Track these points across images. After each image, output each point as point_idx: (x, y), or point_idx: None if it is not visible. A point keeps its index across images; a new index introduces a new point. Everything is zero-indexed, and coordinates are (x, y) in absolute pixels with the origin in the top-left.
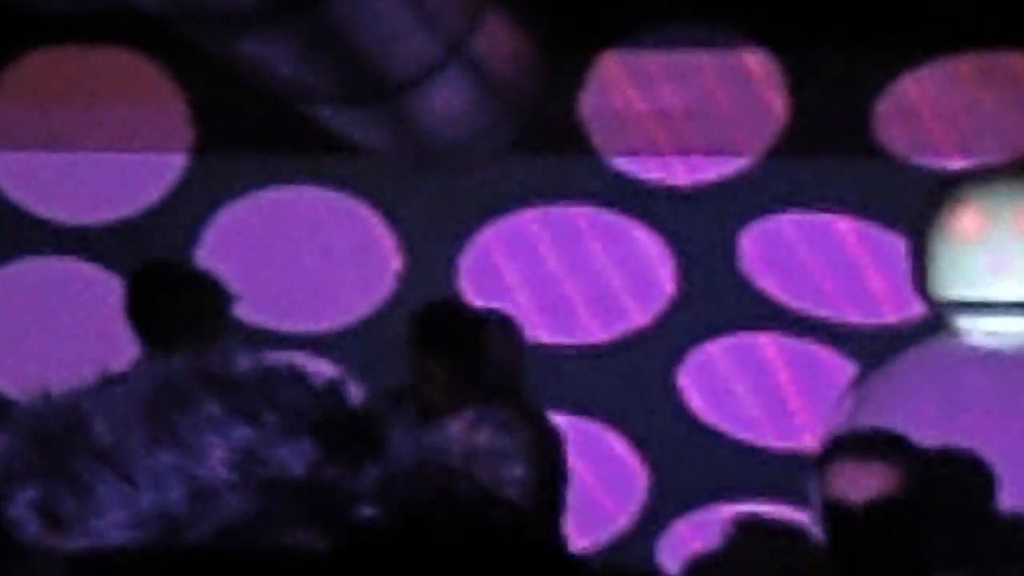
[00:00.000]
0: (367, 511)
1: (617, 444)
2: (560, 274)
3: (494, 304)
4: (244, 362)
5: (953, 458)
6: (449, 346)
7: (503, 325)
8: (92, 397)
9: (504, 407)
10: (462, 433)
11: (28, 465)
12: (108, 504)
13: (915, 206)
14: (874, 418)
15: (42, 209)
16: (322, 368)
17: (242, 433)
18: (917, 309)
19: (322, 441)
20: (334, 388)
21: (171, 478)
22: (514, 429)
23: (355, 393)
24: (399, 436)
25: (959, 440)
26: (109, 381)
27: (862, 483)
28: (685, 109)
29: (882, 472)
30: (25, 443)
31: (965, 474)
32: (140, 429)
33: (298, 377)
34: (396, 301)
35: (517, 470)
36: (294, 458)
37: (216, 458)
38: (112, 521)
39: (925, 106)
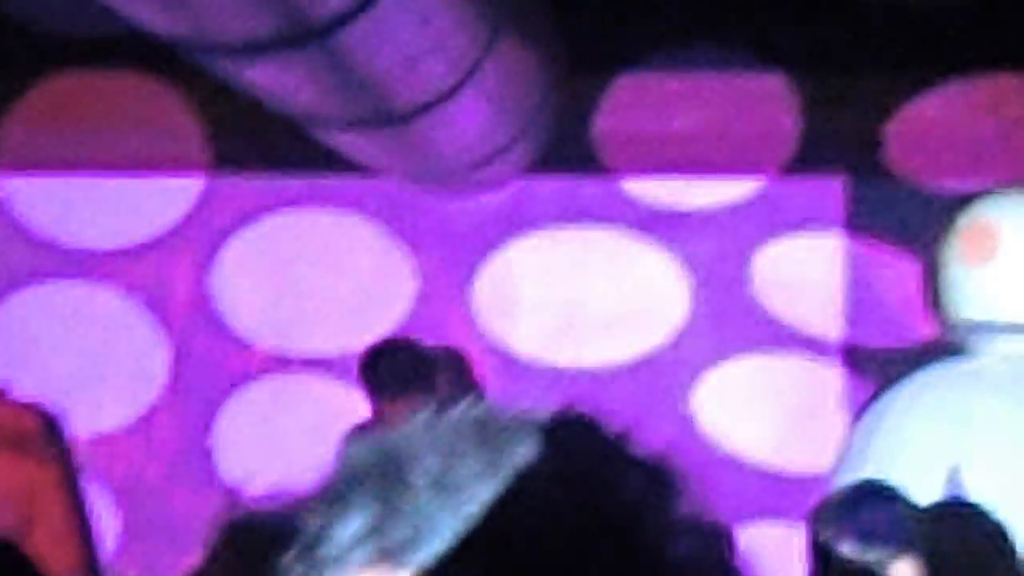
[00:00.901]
0: (678, 550)
1: None
2: (574, 295)
3: (506, 326)
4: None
5: (957, 513)
6: (397, 387)
7: (453, 362)
8: (417, 433)
9: None
10: None
11: (361, 491)
12: (443, 527)
13: (928, 227)
14: (887, 440)
15: (60, 233)
16: (337, 391)
17: (569, 460)
18: (931, 330)
19: (642, 476)
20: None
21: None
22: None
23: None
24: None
25: (973, 462)
26: (427, 423)
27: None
28: (699, 131)
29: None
30: (358, 472)
31: (973, 530)
32: (471, 458)
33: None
34: (412, 323)
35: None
36: (622, 484)
37: (544, 476)
38: (445, 541)
39: (937, 128)
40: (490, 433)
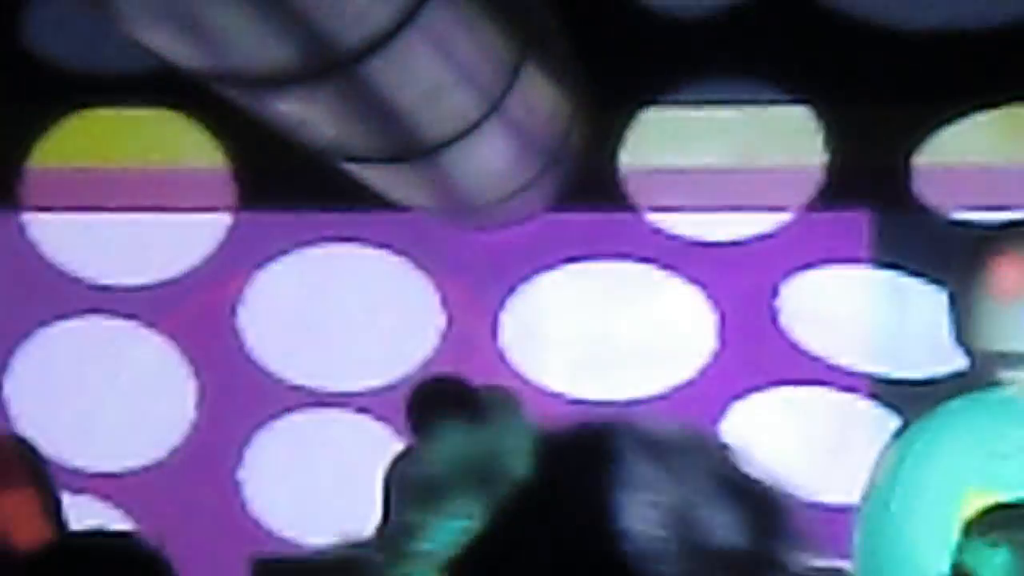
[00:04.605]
0: None
1: None
2: (601, 329)
3: (533, 360)
4: (665, 427)
5: None
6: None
7: (501, 399)
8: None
9: None
10: None
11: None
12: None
13: (955, 259)
14: (915, 470)
15: (87, 269)
16: (365, 425)
17: (672, 495)
18: (958, 362)
19: (743, 511)
20: (739, 457)
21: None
22: None
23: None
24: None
25: (1000, 492)
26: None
27: None
28: (725, 165)
29: None
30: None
31: None
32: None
33: (710, 444)
34: (439, 358)
35: None
36: (721, 526)
37: (649, 517)
38: None
39: (964, 160)
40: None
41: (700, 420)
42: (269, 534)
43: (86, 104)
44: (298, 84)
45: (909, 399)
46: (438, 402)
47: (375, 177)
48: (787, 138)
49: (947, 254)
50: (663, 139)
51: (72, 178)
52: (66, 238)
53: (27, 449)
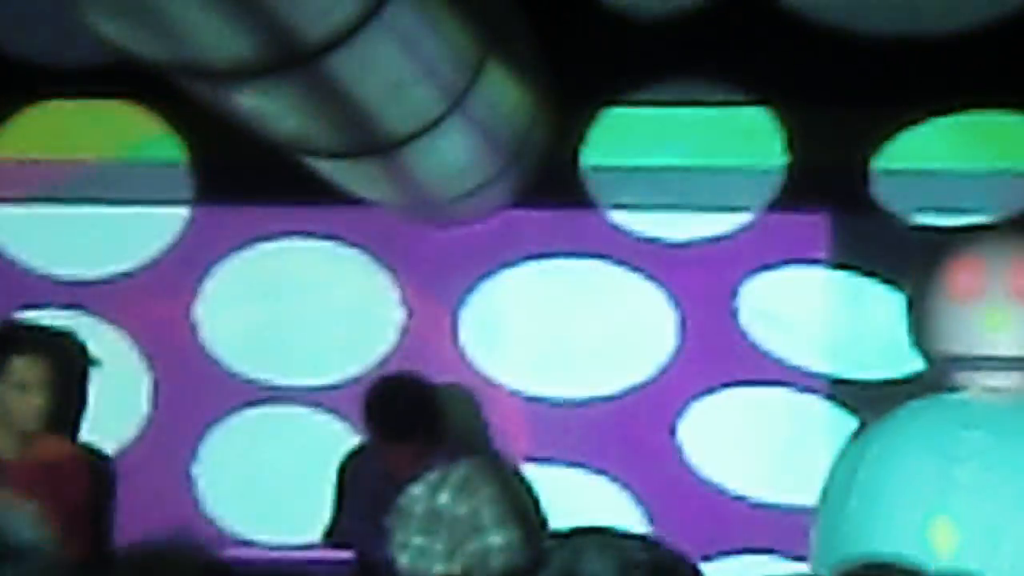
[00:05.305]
0: None
1: (617, 498)
2: (561, 327)
3: (493, 357)
4: None
5: None
6: (405, 427)
7: (456, 393)
8: None
9: (466, 467)
10: (424, 495)
11: None
12: None
13: (912, 262)
14: (871, 472)
15: (43, 262)
16: (323, 422)
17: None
18: (915, 364)
19: None
20: None
21: None
22: (475, 489)
23: None
24: None
25: (957, 494)
26: None
27: None
28: (685, 164)
29: None
30: None
31: None
32: None
33: None
34: (399, 354)
35: (495, 538)
36: None
37: None
38: None
39: (923, 163)
40: None
41: (657, 420)
42: (222, 530)
43: (43, 95)
44: (260, 77)
45: (866, 401)
46: (395, 399)
47: (336, 172)
48: (747, 139)
49: (905, 257)
50: (624, 138)
51: (29, 169)
52: (22, 230)
53: (97, 464)
